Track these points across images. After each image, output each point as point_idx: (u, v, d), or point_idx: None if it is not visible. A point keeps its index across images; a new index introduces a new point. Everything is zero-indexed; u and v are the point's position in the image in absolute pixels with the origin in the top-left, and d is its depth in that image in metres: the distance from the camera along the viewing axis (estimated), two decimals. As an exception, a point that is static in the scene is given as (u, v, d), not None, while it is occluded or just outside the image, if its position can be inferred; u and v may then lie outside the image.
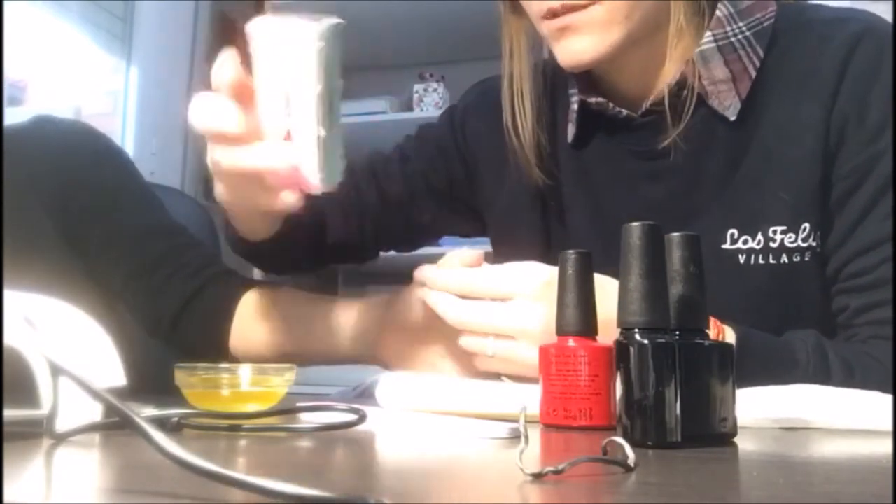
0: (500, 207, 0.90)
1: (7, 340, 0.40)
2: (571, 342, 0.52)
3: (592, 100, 0.80)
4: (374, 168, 0.92)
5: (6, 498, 0.25)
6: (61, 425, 0.40)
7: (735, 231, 0.75)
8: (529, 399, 0.51)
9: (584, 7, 0.71)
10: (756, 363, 0.61)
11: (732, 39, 0.75)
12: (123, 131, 2.39)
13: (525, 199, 0.87)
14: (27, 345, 0.40)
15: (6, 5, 1.81)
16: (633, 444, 0.34)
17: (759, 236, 0.74)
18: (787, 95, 0.75)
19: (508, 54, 0.83)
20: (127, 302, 0.86)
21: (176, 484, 0.29)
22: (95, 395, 0.36)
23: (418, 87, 2.49)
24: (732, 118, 0.75)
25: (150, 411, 0.46)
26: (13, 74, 2.08)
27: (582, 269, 0.53)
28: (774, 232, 0.74)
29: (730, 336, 0.62)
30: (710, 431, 0.43)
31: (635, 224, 0.44)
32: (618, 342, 0.44)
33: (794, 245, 0.74)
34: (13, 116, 1.92)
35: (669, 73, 0.76)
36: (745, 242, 0.75)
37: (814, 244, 0.74)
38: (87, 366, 0.44)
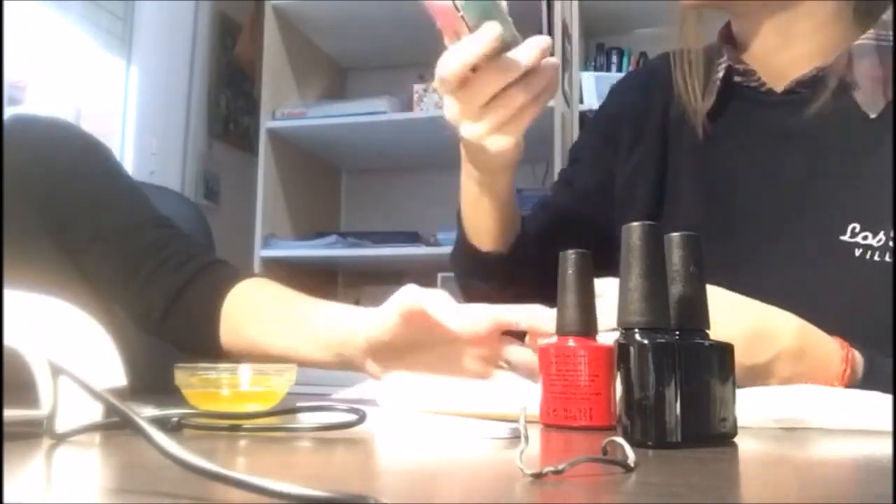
0: (625, 174, 0.92)
1: (7, 340, 0.40)
2: (571, 342, 0.52)
3: (740, 66, 0.83)
4: (565, 179, 0.98)
5: (6, 498, 0.25)
6: (61, 425, 0.40)
7: (857, 226, 0.75)
8: (529, 399, 0.51)
9: None
10: (880, 389, 0.61)
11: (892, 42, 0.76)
12: (123, 131, 2.39)
13: (648, 166, 0.90)
14: (27, 345, 0.40)
15: (6, 5, 1.81)
16: (633, 444, 0.34)
17: (882, 235, 0.74)
18: None
19: (683, 32, 0.88)
20: (116, 298, 0.86)
21: (176, 484, 0.29)
22: (95, 395, 0.36)
23: (418, 87, 2.49)
24: (872, 115, 0.76)
25: (150, 411, 0.46)
26: (13, 74, 2.08)
27: (582, 269, 0.53)
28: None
29: (858, 360, 0.62)
30: (710, 431, 0.43)
31: (635, 224, 0.44)
32: (618, 342, 0.44)
33: None
34: (13, 116, 1.91)
35: (821, 58, 0.77)
36: (865, 238, 0.75)
37: None
38: (87, 366, 0.44)
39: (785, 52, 0.82)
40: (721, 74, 0.85)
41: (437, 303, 0.64)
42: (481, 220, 0.84)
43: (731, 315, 0.58)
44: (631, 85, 1.00)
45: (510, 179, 0.81)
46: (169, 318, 0.85)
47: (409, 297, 0.66)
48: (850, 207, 0.76)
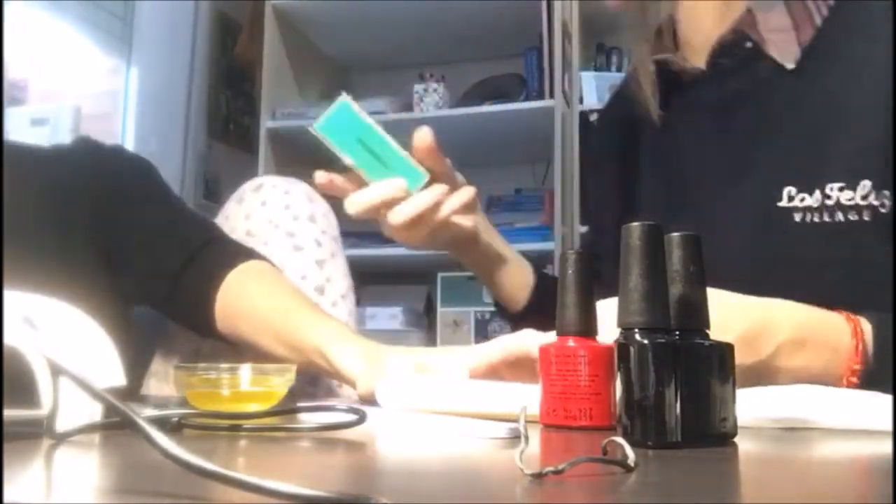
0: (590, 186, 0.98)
1: (7, 340, 0.40)
2: (571, 342, 0.52)
3: (658, 56, 0.83)
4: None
5: (6, 498, 0.25)
6: (61, 425, 0.40)
7: (792, 189, 0.72)
8: (529, 399, 0.51)
9: None
10: None
11: None
12: (123, 131, 2.39)
13: (608, 172, 0.93)
14: (27, 345, 0.40)
15: (6, 5, 1.81)
16: (633, 444, 0.34)
17: (817, 193, 0.71)
18: (859, 39, 0.73)
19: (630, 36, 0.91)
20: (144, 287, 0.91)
21: (176, 484, 0.29)
22: (95, 395, 0.36)
23: (418, 87, 2.49)
24: (790, 66, 0.73)
25: (150, 411, 0.46)
26: (13, 74, 2.08)
27: (582, 268, 0.53)
28: (831, 188, 0.70)
29: (867, 330, 0.61)
30: (710, 431, 0.43)
31: (635, 224, 0.44)
32: (618, 342, 0.44)
33: (852, 203, 0.70)
34: (13, 116, 1.92)
35: (726, 24, 0.76)
36: (802, 200, 0.72)
37: (875, 203, 0.69)
38: (87, 366, 0.44)
39: (695, 27, 0.81)
40: (652, 68, 0.85)
41: (409, 377, 0.66)
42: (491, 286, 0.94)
43: (728, 318, 0.58)
44: (600, 126, 1.04)
45: (478, 256, 0.90)
46: (173, 298, 0.89)
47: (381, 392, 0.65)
48: (785, 170, 0.74)
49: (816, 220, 0.71)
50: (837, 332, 0.62)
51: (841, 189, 0.70)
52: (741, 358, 0.46)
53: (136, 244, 0.90)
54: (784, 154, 0.75)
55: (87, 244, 0.88)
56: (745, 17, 0.75)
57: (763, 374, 0.60)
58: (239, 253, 0.90)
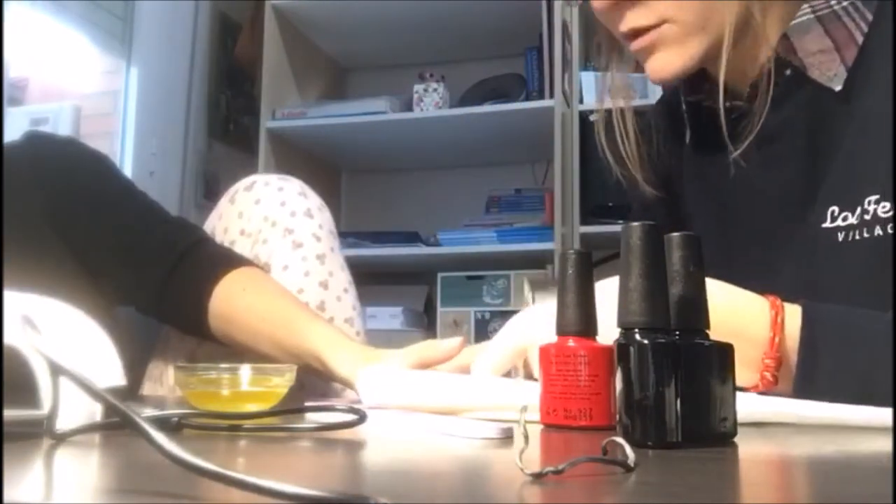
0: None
1: (7, 340, 0.40)
2: (571, 342, 0.52)
3: (691, 98, 0.81)
4: None
5: (6, 498, 0.25)
6: (61, 425, 0.40)
7: (836, 208, 0.72)
8: (528, 398, 0.51)
9: (656, 27, 0.72)
10: (830, 334, 0.58)
11: (836, 7, 0.72)
12: (123, 131, 2.39)
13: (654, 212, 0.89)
14: (27, 345, 0.40)
15: (6, 5, 1.81)
16: (633, 444, 0.34)
17: (858, 209, 0.70)
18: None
19: (608, 87, 0.85)
20: (118, 287, 0.91)
21: (176, 484, 0.29)
22: (95, 395, 0.36)
23: (418, 87, 2.49)
24: (838, 88, 0.72)
25: (150, 411, 0.46)
26: (13, 74, 2.08)
27: (582, 269, 0.53)
28: (869, 202, 0.69)
29: (791, 312, 0.59)
30: (710, 431, 0.43)
31: (635, 224, 0.44)
32: (618, 342, 0.44)
33: (888, 214, 0.68)
34: (13, 116, 1.92)
35: (763, 56, 0.74)
36: (845, 219, 0.71)
37: None
38: (87, 366, 0.44)
39: (727, 66, 0.76)
40: (684, 107, 0.83)
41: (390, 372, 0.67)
42: None
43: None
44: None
45: None
46: (161, 305, 0.90)
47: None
48: (829, 191, 0.73)
49: (857, 237, 0.70)
50: (754, 321, 0.59)
51: (877, 201, 0.69)
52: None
53: (113, 249, 0.89)
54: (830, 176, 0.73)
55: (55, 243, 0.87)
56: (783, 43, 0.73)
57: None
58: (229, 258, 0.90)
